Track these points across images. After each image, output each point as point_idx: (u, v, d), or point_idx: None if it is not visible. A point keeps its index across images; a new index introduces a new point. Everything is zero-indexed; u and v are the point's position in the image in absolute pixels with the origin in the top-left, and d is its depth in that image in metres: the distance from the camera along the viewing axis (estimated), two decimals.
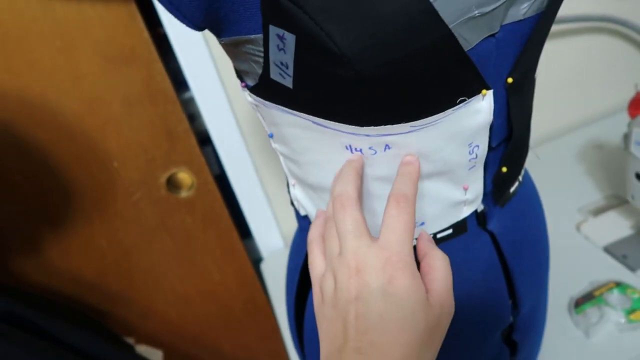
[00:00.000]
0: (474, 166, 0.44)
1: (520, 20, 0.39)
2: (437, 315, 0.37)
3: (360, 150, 0.41)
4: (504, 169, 0.47)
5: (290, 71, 0.37)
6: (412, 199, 0.39)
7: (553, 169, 1.04)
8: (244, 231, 1.13)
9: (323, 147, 0.43)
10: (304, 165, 0.46)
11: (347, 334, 0.36)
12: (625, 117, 0.83)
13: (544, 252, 0.59)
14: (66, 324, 0.77)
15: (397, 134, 0.40)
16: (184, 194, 1.03)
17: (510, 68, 0.41)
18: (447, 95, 0.38)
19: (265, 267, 1.08)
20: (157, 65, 0.88)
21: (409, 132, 0.39)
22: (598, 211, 0.91)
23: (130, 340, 1.13)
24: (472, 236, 0.49)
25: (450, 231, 0.48)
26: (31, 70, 0.82)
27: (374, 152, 0.41)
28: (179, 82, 0.95)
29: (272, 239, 1.09)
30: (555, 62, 1.09)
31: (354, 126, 0.39)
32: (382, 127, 0.39)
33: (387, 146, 0.41)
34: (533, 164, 1.07)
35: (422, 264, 0.40)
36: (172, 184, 1.02)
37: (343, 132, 0.40)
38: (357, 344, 0.35)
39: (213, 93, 0.91)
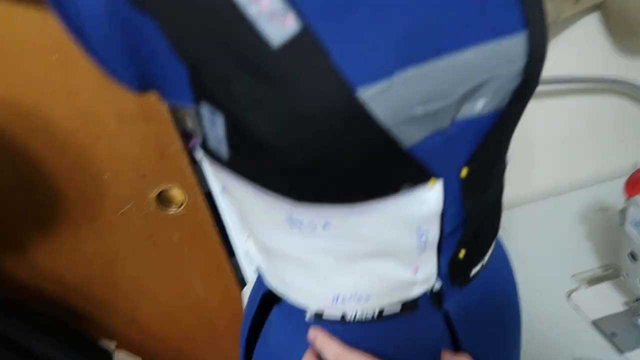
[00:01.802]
0: (425, 250, 0.41)
1: (477, 117, 0.36)
2: None
3: (301, 223, 0.39)
4: (462, 253, 0.44)
5: (224, 147, 0.35)
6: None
7: (551, 229, 0.99)
8: (232, 249, 1.11)
9: (267, 214, 0.41)
10: (254, 225, 0.44)
11: None
12: None
13: (512, 333, 0.56)
14: (32, 330, 0.77)
15: (335, 215, 0.37)
16: (173, 210, 1.03)
17: (465, 160, 0.38)
18: (387, 182, 0.36)
19: (246, 293, 1.06)
20: None
21: (347, 215, 0.37)
22: (593, 280, 0.86)
23: (111, 345, 1.13)
24: (422, 314, 0.46)
25: (398, 309, 0.45)
26: (26, 81, 0.82)
27: (314, 227, 0.39)
28: None
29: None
30: (562, 118, 1.04)
31: (291, 200, 0.37)
32: (319, 205, 0.37)
33: (326, 224, 0.38)
34: (530, 220, 1.03)
35: None
36: (163, 200, 1.02)
37: (283, 203, 0.38)
38: None
39: None
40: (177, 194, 1.02)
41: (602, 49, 0.97)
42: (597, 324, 0.79)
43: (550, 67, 0.96)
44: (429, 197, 0.37)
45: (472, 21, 0.33)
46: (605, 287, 0.84)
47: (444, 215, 0.39)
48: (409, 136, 0.33)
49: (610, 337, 0.77)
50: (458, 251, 0.43)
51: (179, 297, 1.16)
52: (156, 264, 1.09)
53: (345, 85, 0.29)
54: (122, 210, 1.00)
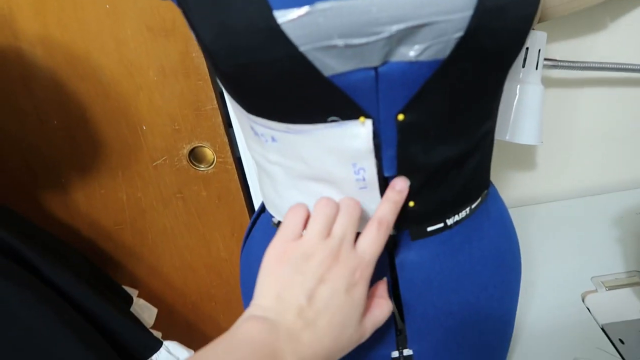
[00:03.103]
0: (365, 187, 0.42)
1: (413, 63, 0.36)
2: (360, 334, 0.41)
3: (257, 133, 0.43)
4: (411, 204, 0.44)
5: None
6: (391, 226, 0.42)
7: (579, 228, 0.96)
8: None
9: (244, 123, 0.45)
10: (246, 137, 0.50)
11: (299, 302, 0.39)
12: None
13: (483, 317, 0.53)
14: (60, 262, 0.82)
15: (277, 130, 0.41)
16: (203, 168, 1.07)
17: (402, 105, 0.38)
18: (315, 110, 0.38)
19: None
20: (194, 42, 0.91)
21: (286, 132, 0.40)
22: (613, 285, 0.84)
23: (134, 292, 1.19)
24: None
25: None
26: (79, 28, 0.87)
27: (265, 138, 0.43)
28: None
29: None
30: (610, 111, 0.99)
31: (244, 109, 0.41)
32: (262, 119, 0.40)
33: (273, 138, 0.42)
34: (559, 217, 1.00)
35: (373, 299, 0.44)
36: (194, 157, 1.06)
37: (243, 109, 0.42)
38: (306, 314, 0.38)
39: None
40: (208, 153, 1.06)
41: None
42: (606, 329, 0.77)
43: (600, 52, 0.91)
44: (360, 133, 0.38)
45: None
46: (623, 293, 0.81)
47: (381, 157, 0.41)
48: (329, 66, 0.35)
49: (619, 343, 0.74)
50: (407, 201, 0.44)
51: (201, 256, 1.21)
52: (183, 219, 1.14)
53: (266, 7, 0.33)
54: (155, 163, 1.05)
